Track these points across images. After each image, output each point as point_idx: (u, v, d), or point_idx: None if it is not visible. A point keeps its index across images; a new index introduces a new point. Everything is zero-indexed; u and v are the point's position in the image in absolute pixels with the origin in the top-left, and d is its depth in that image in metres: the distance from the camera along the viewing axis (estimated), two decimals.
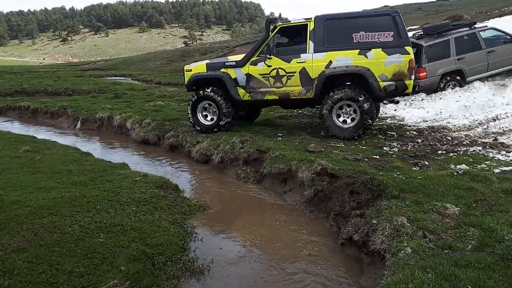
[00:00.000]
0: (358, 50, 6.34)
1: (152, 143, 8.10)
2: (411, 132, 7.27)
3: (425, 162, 5.15)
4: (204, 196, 5.27)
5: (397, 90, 6.38)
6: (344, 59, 6.39)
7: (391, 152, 5.76)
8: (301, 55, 6.66)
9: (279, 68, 6.75)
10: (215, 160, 6.42)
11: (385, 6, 46.13)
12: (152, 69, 38.64)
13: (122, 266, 3.09)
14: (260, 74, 6.91)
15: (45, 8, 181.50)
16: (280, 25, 6.92)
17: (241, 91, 7.05)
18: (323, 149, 5.82)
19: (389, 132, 7.23)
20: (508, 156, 5.47)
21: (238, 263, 3.58)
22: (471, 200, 3.70)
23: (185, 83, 7.65)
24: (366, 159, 5.28)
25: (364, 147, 6.08)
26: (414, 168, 4.90)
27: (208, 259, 3.54)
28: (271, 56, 6.76)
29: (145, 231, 3.73)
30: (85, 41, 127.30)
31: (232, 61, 7.20)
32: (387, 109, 9.48)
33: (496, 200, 3.69)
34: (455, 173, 4.55)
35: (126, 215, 4.04)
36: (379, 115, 8.70)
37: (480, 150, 5.76)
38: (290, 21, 7.13)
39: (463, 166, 4.84)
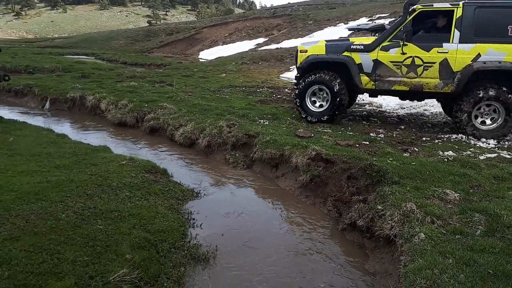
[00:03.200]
0: None
1: (130, 125, 7.78)
2: (392, 119, 7.43)
3: (415, 149, 5.28)
4: (195, 181, 5.12)
5: None
6: (496, 53, 5.69)
7: (378, 138, 5.86)
8: (443, 44, 5.98)
9: (416, 56, 6.08)
10: (201, 144, 6.26)
11: None
12: (115, 48, 37.11)
13: (127, 254, 2.95)
14: (391, 62, 6.25)
15: None
16: (420, 8, 6.14)
17: (364, 79, 6.43)
18: (312, 135, 5.82)
19: (372, 119, 7.35)
20: (489, 144, 5.71)
21: (242, 251, 3.51)
22: (467, 186, 3.83)
23: (297, 65, 6.98)
24: (357, 145, 5.33)
25: (351, 133, 6.14)
26: (405, 154, 5.01)
27: (212, 246, 3.45)
28: (408, 43, 6.09)
29: (144, 217, 3.57)
30: (41, 16, 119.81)
31: (359, 44, 6.47)
32: (364, 96, 9.62)
33: (490, 186, 3.84)
34: (445, 160, 4.70)
35: (120, 201, 3.86)
36: (357, 101, 8.81)
37: (462, 138, 5.97)
38: (432, 4, 6.28)
39: (451, 153, 5.00)
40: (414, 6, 6.18)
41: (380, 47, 6.31)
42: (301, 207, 4.45)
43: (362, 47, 6.42)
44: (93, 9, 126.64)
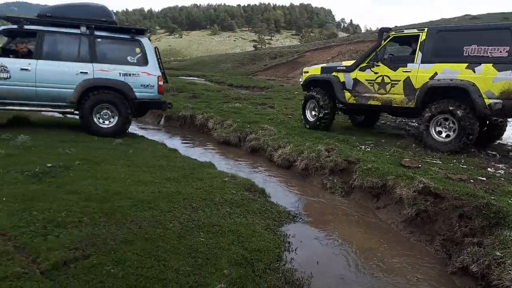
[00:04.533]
0: (466, 64, 6.03)
1: (233, 144, 8.16)
2: None
3: None
4: (291, 203, 5.13)
5: (504, 110, 5.78)
6: (450, 71, 6.19)
7: (498, 175, 5.22)
8: (408, 64, 6.72)
9: (385, 75, 6.97)
10: (298, 166, 6.28)
11: (466, 15, 43.06)
12: (223, 71, 39.68)
13: (225, 269, 3.04)
14: (366, 80, 7.27)
15: (126, 10, 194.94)
16: (393, 34, 7.15)
17: (347, 94, 7.57)
18: (419, 165, 5.44)
19: (490, 152, 6.61)
20: None
21: (338, 285, 3.38)
22: None
23: (301, 83, 8.73)
24: (471, 180, 4.82)
25: (464, 166, 5.58)
26: None
27: (307, 273, 3.38)
28: (379, 63, 7.06)
29: (242, 235, 3.67)
30: (161, 41, 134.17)
31: (343, 66, 7.79)
32: None
33: None
34: None
35: (221, 216, 4.03)
36: None
37: None
38: (403, 31, 7.25)
39: None
40: (389, 33, 7.22)
41: (359, 68, 7.40)
42: (404, 244, 4.14)
43: (344, 68, 7.70)
44: (205, 35, 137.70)
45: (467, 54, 6.06)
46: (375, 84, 7.09)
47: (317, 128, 7.93)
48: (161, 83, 7.45)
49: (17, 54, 7.20)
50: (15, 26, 7.03)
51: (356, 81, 7.39)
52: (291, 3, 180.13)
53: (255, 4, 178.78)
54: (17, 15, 8.45)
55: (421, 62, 6.51)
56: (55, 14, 7.24)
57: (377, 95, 7.07)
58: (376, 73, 7.06)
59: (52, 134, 6.81)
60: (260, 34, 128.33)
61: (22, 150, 5.62)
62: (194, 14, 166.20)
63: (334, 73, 7.75)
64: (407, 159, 5.69)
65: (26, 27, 7.01)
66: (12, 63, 6.81)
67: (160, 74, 7.49)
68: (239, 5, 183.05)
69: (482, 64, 5.88)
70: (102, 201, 3.98)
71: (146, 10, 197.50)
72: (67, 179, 4.54)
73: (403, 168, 5.26)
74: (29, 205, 3.65)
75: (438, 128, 6.39)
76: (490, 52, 5.85)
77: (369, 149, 6.46)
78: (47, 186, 4.28)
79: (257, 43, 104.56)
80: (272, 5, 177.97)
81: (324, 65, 8.51)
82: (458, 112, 6.03)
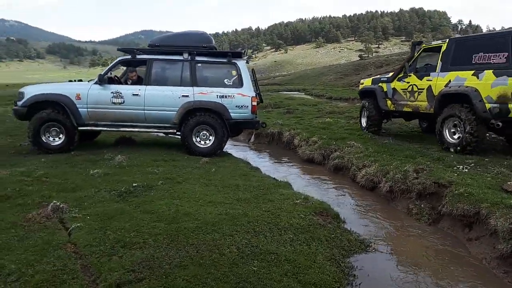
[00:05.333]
0: (473, 71, 6.41)
1: (317, 162, 7.93)
2: None
3: None
4: (367, 231, 4.73)
5: (501, 113, 6.06)
6: (460, 79, 6.64)
7: None
8: (430, 73, 7.36)
9: (414, 84, 7.75)
10: (382, 188, 5.79)
11: None
12: (325, 83, 39.24)
13: None
14: (401, 89, 8.14)
15: (235, 30, 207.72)
16: (424, 46, 7.96)
17: (388, 102, 8.56)
18: None
19: None
20: None
21: None
22: None
23: (359, 93, 10.00)
24: None
25: None
26: None
27: None
28: (411, 74, 7.88)
29: (299, 265, 3.48)
30: (267, 57, 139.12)
31: (385, 77, 8.78)
32: None
33: None
34: None
35: (282, 242, 3.88)
36: None
37: None
38: (431, 42, 8.12)
39: None
40: (421, 46, 8.02)
41: (397, 78, 8.22)
42: (496, 285, 3.47)
43: (386, 79, 8.64)
44: (310, 48, 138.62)
45: (474, 62, 6.47)
46: (407, 92, 7.90)
47: (368, 130, 9.05)
48: (254, 103, 7.62)
49: (130, 81, 8.16)
50: (129, 56, 7.94)
51: (394, 90, 8.30)
52: (400, 8, 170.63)
53: (362, 13, 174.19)
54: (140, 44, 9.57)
55: (440, 71, 7.07)
56: (163, 43, 7.98)
57: (408, 102, 7.88)
58: (408, 82, 7.87)
59: (148, 153, 7.45)
60: (367, 43, 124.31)
61: (118, 169, 6.25)
62: (299, 29, 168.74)
63: (379, 84, 8.75)
64: None
65: (138, 56, 7.87)
66: (125, 90, 7.70)
67: (254, 94, 7.68)
68: (344, 15, 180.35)
69: (485, 71, 6.21)
70: (171, 221, 4.18)
71: (254, 28, 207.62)
72: (146, 198, 4.89)
73: (505, 194, 4.47)
74: (106, 224, 4.00)
75: (453, 129, 6.85)
76: (492, 59, 6.21)
77: (466, 170, 5.65)
78: (127, 205, 4.66)
79: (363, 53, 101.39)
80: (379, 12, 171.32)
81: (374, 77, 9.51)
82: (462, 115, 6.47)
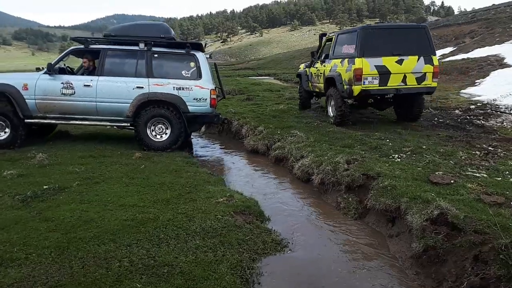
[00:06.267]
0: (340, 60, 8.06)
1: (261, 153, 7.63)
2: None
3: None
4: (289, 229, 4.45)
5: (350, 93, 7.54)
6: (336, 65, 8.24)
7: None
8: (326, 61, 9.03)
9: (318, 69, 9.39)
10: (314, 181, 5.54)
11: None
12: (296, 67, 38.77)
13: None
14: (314, 73, 9.76)
15: (210, 13, 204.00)
16: (327, 38, 9.66)
17: (309, 84, 10.22)
18: (452, 181, 4.37)
19: None
20: None
21: None
22: None
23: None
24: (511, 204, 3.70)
25: None
26: None
27: None
28: (318, 61, 9.57)
29: (194, 278, 3.16)
30: (242, 41, 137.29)
31: (308, 63, 10.36)
32: None
33: None
34: None
35: (185, 251, 3.55)
36: None
37: None
38: (330, 35, 9.58)
39: None
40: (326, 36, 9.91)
41: (312, 64, 10.12)
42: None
43: (308, 64, 10.50)
44: (285, 31, 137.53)
45: (343, 52, 8.08)
46: (315, 76, 9.49)
47: (300, 107, 10.84)
48: (214, 96, 7.36)
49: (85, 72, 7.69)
50: (81, 46, 7.47)
51: (311, 74, 9.91)
52: None
53: None
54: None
55: (329, 59, 8.69)
56: (119, 33, 7.56)
57: (316, 84, 9.49)
58: (316, 68, 9.50)
59: (78, 149, 6.97)
60: (342, 25, 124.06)
61: (36, 169, 5.78)
62: (274, 11, 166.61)
63: (306, 69, 10.44)
64: (440, 173, 4.64)
65: (91, 46, 7.42)
66: (77, 80, 7.22)
67: (213, 87, 7.43)
68: None
69: (345, 59, 7.81)
70: (68, 231, 3.81)
71: (229, 11, 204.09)
72: (53, 203, 4.49)
73: (429, 186, 4.27)
74: None
75: (332, 103, 8.39)
76: (349, 50, 7.74)
77: (399, 160, 5.45)
78: (28, 212, 4.24)
79: None
80: None
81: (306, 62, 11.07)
82: (332, 93, 8.21)
